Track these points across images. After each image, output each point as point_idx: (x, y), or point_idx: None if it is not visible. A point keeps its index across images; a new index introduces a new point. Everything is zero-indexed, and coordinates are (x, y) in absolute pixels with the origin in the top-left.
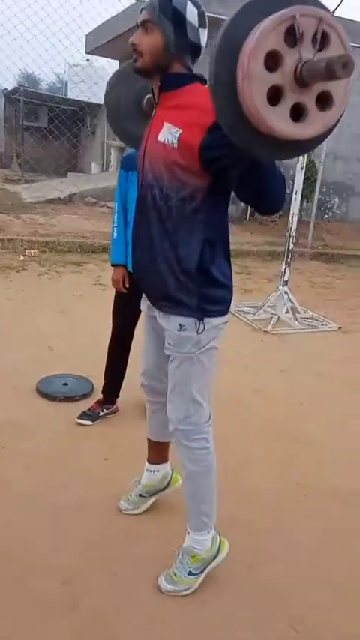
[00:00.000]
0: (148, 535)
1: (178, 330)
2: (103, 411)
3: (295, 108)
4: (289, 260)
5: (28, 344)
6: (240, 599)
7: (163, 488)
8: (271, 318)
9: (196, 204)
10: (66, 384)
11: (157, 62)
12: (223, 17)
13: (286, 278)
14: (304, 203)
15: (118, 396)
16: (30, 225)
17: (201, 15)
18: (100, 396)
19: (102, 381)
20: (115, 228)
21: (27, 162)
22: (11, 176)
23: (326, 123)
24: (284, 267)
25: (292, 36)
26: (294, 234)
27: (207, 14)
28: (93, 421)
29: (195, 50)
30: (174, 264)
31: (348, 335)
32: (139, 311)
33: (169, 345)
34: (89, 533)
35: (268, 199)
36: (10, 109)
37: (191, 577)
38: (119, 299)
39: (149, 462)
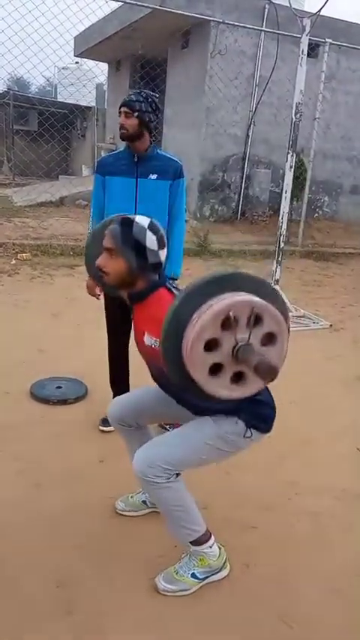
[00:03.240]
0: (143, 537)
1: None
2: None
3: (235, 375)
4: (279, 259)
5: (21, 347)
6: (235, 598)
7: None
8: None
9: None
10: (59, 387)
11: (122, 281)
12: (210, 18)
13: (277, 277)
14: (294, 202)
15: None
16: (21, 229)
17: (159, 238)
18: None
19: (95, 384)
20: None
21: (17, 165)
22: (2, 180)
23: (262, 385)
24: (275, 266)
25: (228, 323)
26: (284, 233)
27: (195, 15)
28: None
29: (156, 267)
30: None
31: (339, 333)
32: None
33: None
34: (84, 535)
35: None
36: (0, 112)
37: (193, 580)
38: (107, 308)
39: None
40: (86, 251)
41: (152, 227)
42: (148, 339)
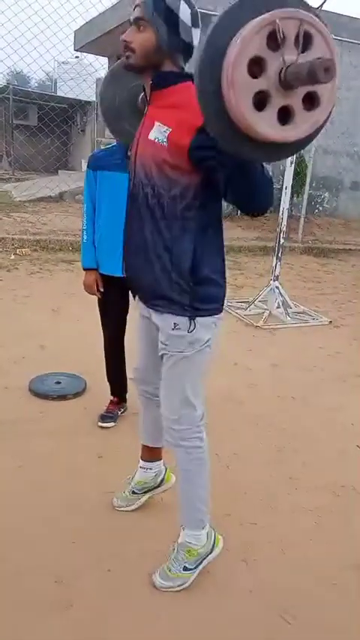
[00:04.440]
0: (141, 532)
1: (172, 329)
2: (120, 411)
3: (281, 111)
4: (279, 255)
5: (20, 343)
6: (234, 593)
7: (157, 486)
8: (263, 313)
9: (188, 201)
10: (58, 383)
11: (148, 60)
12: (212, 13)
13: (277, 273)
14: (295, 198)
15: (126, 392)
16: (21, 224)
17: (194, 15)
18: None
19: (94, 379)
20: (84, 231)
21: (17, 160)
22: (1, 174)
23: (314, 123)
24: (275, 262)
25: (274, 40)
26: (284, 229)
27: (197, 10)
28: (115, 422)
29: (187, 49)
30: (167, 262)
31: (339, 329)
32: (127, 309)
33: (163, 343)
34: (82, 531)
35: (255, 200)
36: None
37: (186, 572)
38: (103, 304)
39: (142, 460)
40: (101, 97)
41: (188, 1)
42: (155, 132)
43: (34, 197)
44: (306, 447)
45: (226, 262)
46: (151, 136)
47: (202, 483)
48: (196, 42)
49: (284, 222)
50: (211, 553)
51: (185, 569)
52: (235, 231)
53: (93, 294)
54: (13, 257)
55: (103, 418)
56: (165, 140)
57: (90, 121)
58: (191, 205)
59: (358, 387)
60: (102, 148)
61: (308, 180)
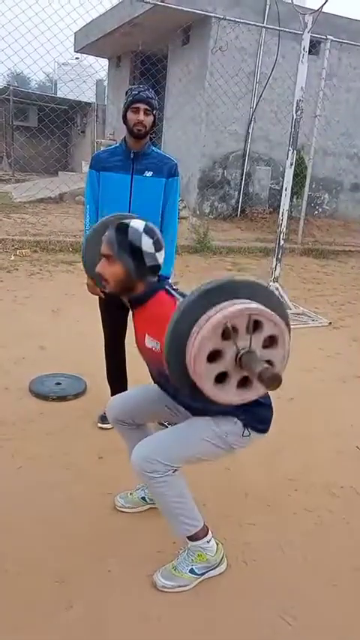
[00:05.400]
0: (142, 533)
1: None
2: None
3: (241, 379)
4: (279, 256)
5: (20, 344)
6: (234, 595)
7: None
8: None
9: None
10: (59, 384)
11: (122, 286)
12: (211, 14)
13: (276, 274)
14: (294, 199)
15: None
16: (21, 225)
17: (156, 242)
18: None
19: (94, 380)
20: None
21: (17, 161)
22: (1, 176)
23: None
24: (275, 263)
25: (227, 332)
26: (284, 230)
27: (196, 11)
28: None
29: (154, 270)
30: (211, 410)
31: (338, 330)
32: (127, 309)
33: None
34: (83, 531)
35: None
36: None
37: (191, 575)
38: (103, 304)
39: None
40: (83, 257)
41: (148, 230)
42: (149, 342)
43: (34, 198)
44: (305, 448)
45: (226, 263)
46: (148, 344)
47: (177, 500)
48: (160, 261)
49: (284, 224)
50: (218, 567)
51: (192, 571)
52: (235, 233)
53: (96, 294)
54: (13, 258)
55: (103, 419)
56: (158, 348)
57: (90, 122)
58: None
59: (358, 388)
60: (102, 149)
61: (308, 181)
